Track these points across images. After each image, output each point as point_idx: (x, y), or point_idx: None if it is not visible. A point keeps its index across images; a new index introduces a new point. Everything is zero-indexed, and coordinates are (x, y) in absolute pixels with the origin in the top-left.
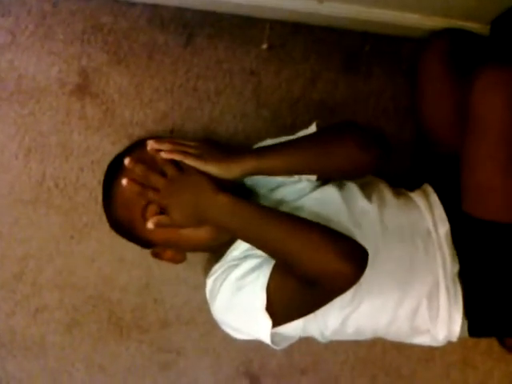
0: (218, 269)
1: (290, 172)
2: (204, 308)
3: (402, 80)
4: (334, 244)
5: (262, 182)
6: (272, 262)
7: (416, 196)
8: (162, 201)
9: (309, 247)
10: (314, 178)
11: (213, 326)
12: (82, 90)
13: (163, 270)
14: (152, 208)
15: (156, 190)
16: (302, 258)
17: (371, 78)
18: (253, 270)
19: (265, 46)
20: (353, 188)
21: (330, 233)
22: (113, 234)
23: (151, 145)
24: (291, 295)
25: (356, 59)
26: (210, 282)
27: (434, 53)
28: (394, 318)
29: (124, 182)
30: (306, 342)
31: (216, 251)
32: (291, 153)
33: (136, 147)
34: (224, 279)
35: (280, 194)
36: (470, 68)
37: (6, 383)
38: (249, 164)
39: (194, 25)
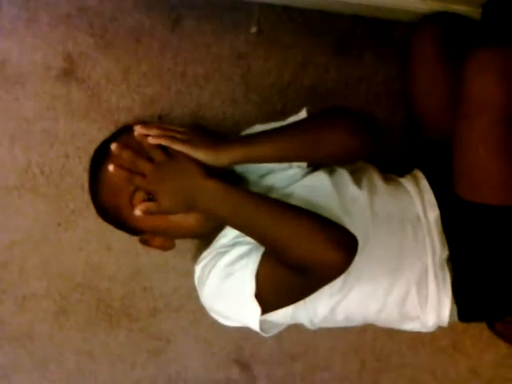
0: (206, 256)
1: (279, 160)
2: (193, 295)
3: (393, 64)
4: (323, 231)
5: (252, 169)
6: (261, 249)
7: (406, 181)
8: (150, 187)
9: (298, 234)
10: (304, 164)
11: (202, 313)
12: (68, 74)
13: (152, 257)
14: (139, 194)
15: (143, 175)
16: (291, 246)
17: (363, 63)
18: (242, 256)
19: (254, 30)
20: (343, 174)
21: (319, 220)
22: (100, 221)
23: (138, 130)
24: (280, 282)
25: (347, 43)
26: (198, 268)
27: (426, 36)
28: (384, 305)
29: (111, 168)
30: (297, 328)
31: (205, 238)
32: (280, 140)
33: (123, 133)
34: (213, 266)
35: (270, 180)
36: (462, 52)
37: None
38: (237, 152)
39: (181, 8)
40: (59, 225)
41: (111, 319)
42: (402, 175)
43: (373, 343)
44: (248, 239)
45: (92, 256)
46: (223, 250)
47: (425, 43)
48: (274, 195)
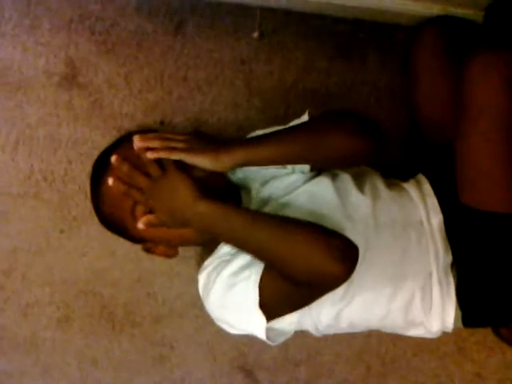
0: (209, 264)
1: (281, 162)
2: (197, 302)
3: (396, 68)
4: (322, 245)
5: (254, 175)
6: None
7: (409, 186)
8: (147, 202)
9: (296, 251)
10: (307, 168)
11: (206, 319)
12: (70, 80)
13: (155, 263)
14: (140, 207)
15: (141, 189)
16: (289, 263)
17: (365, 66)
18: (244, 267)
19: (256, 35)
20: (346, 179)
21: (318, 232)
22: (103, 227)
23: (137, 143)
24: (282, 292)
25: (349, 47)
26: (201, 277)
27: (428, 40)
28: (388, 312)
29: (110, 181)
30: (301, 334)
31: (208, 245)
32: (282, 142)
33: (124, 141)
34: (216, 275)
35: (272, 186)
36: (464, 55)
37: None
38: (239, 155)
39: (183, 13)
40: (62, 231)
41: (115, 325)
42: (405, 180)
43: (377, 349)
44: None
45: (95, 262)
46: (226, 258)
47: (426, 47)
48: (276, 202)
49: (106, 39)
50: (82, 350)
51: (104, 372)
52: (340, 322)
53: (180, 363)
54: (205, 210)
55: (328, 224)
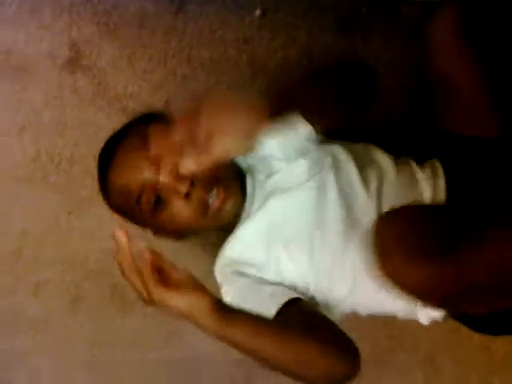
0: (222, 266)
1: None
2: (208, 276)
3: (400, 43)
4: (325, 373)
5: (260, 166)
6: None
7: (423, 178)
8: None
9: (300, 373)
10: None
11: (217, 294)
12: (74, 63)
13: (162, 240)
14: (145, 197)
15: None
16: (292, 376)
17: (368, 41)
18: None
19: (258, 13)
20: (351, 175)
21: (322, 357)
22: None
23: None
24: None
25: (352, 22)
26: (217, 273)
27: (447, 20)
28: (385, 310)
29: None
30: None
31: (221, 230)
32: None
33: (129, 130)
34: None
35: (276, 180)
36: (483, 32)
37: (9, 360)
38: None
39: None
40: (70, 213)
41: (126, 304)
42: (419, 159)
43: (385, 322)
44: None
45: (104, 242)
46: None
47: (446, 28)
48: (278, 196)
49: (108, 21)
50: (94, 329)
51: (117, 350)
52: (344, 309)
53: (193, 339)
54: (208, 327)
55: (331, 231)
